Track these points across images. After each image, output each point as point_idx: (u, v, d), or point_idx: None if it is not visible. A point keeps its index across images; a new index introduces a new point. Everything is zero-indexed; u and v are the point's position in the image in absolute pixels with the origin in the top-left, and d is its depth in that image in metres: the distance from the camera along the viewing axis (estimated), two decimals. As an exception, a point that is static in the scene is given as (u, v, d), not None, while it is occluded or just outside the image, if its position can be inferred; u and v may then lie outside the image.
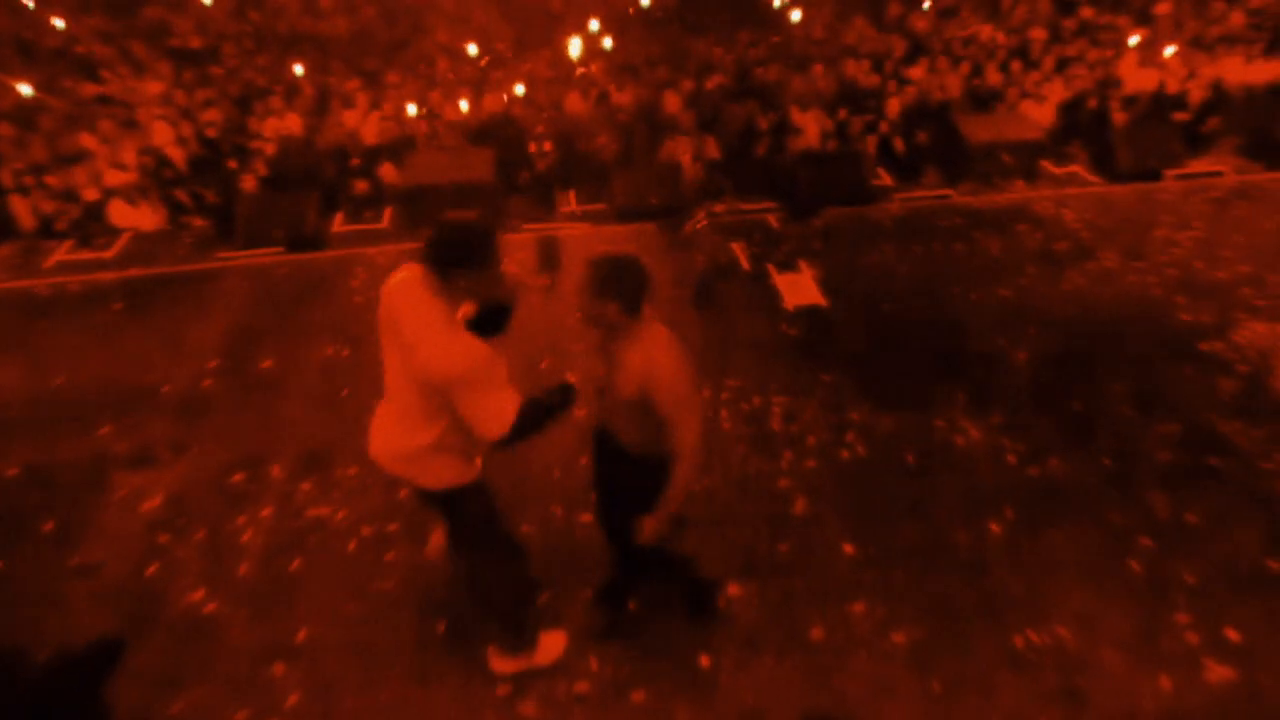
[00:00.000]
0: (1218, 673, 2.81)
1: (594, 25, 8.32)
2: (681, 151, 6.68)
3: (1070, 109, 7.10)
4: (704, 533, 3.41)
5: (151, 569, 3.28)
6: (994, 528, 3.35)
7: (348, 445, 3.76)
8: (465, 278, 2.15)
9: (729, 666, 2.86)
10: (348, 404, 4.14)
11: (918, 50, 8.29)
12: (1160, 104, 7.29)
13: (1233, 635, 2.93)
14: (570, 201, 6.62)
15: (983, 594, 3.06)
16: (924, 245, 5.30)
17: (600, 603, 3.06)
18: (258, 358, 4.52)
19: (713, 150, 6.69)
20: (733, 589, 3.14)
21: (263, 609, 3.11)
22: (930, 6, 9.77)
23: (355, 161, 6.96)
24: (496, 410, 2.22)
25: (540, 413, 2.37)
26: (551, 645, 2.90)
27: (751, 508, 3.53)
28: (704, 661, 2.89)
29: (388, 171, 6.82)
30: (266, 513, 3.52)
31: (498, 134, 7.19)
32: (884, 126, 6.55)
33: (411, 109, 7.31)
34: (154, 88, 8.00)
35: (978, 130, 6.29)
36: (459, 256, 2.12)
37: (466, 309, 2.42)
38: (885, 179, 6.13)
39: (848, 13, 9.67)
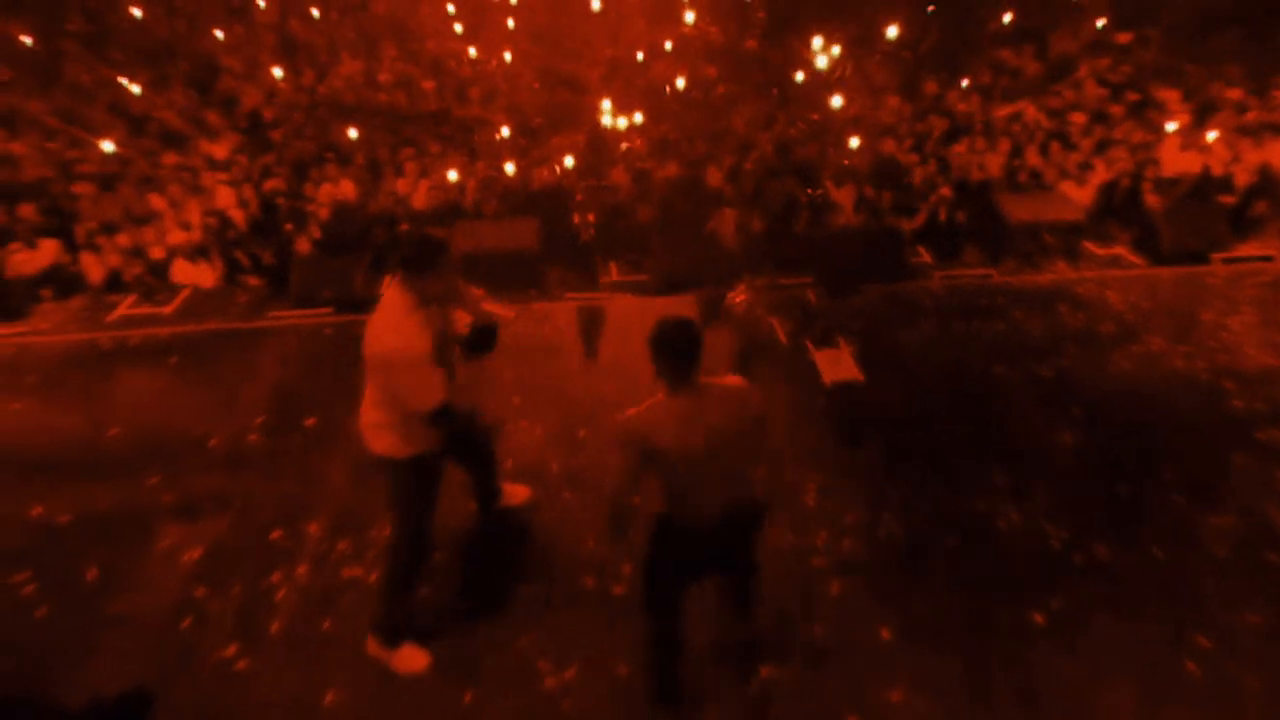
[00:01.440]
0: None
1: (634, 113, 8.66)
2: (725, 223, 6.82)
3: (1109, 190, 7.11)
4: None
5: (187, 621, 3.32)
6: (1038, 618, 3.23)
7: (383, 506, 3.80)
8: (423, 281, 2.69)
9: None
10: (386, 464, 4.21)
11: (957, 130, 8.42)
12: (1204, 187, 7.27)
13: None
14: (612, 272, 6.76)
15: (1025, 688, 2.94)
16: (964, 323, 5.28)
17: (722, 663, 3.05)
18: (303, 415, 4.64)
19: (755, 224, 6.81)
20: (765, 672, 3.06)
21: (292, 668, 3.11)
22: (969, 85, 9.95)
23: (404, 226, 7.23)
24: (425, 385, 2.72)
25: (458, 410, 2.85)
26: (412, 659, 3.08)
27: (785, 588, 3.46)
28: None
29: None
30: (302, 570, 3.55)
31: (543, 204, 7.42)
32: (938, 204, 6.62)
33: (453, 175, 7.60)
34: (220, 152, 8.46)
35: (1018, 210, 6.32)
36: (416, 262, 2.68)
37: (461, 317, 3.05)
38: (925, 256, 6.16)
39: (885, 92, 9.88)
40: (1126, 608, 3.30)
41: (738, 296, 5.44)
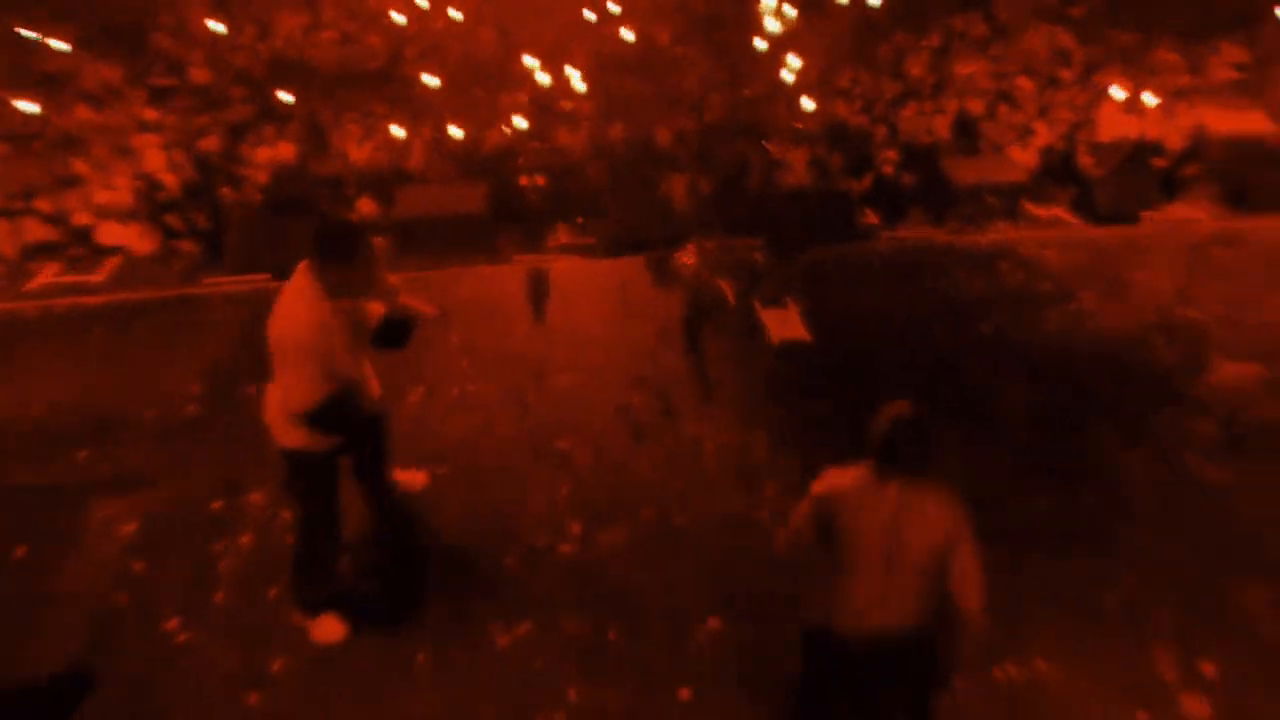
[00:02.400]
0: (1193, 707, 2.83)
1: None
2: (674, 185, 6.78)
3: (1051, 153, 7.26)
4: (682, 566, 3.41)
5: (124, 597, 3.24)
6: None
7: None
8: (335, 270, 2.55)
9: (709, 700, 2.85)
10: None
11: (908, 93, 8.48)
12: (1140, 151, 7.48)
13: (1208, 669, 2.95)
14: (561, 235, 6.68)
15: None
16: (909, 283, 5.37)
17: None
18: (242, 384, 4.51)
19: (704, 185, 6.79)
20: (713, 623, 3.13)
21: (238, 638, 3.07)
22: (922, 47, 10.03)
23: (350, 191, 7.03)
24: (308, 384, 2.57)
25: (343, 413, 2.69)
26: (328, 629, 3.05)
27: (732, 541, 3.53)
28: (684, 695, 2.88)
29: (366, 205, 6.89)
30: (246, 540, 3.49)
31: (492, 167, 7.29)
32: (885, 167, 6.68)
33: (399, 131, 7.41)
34: (149, 114, 8.07)
35: (963, 172, 6.43)
36: (332, 250, 2.54)
37: (374, 309, 2.84)
38: (873, 218, 6.23)
39: (837, 54, 9.87)
40: (1057, 549, 3.45)
41: (687, 258, 5.44)
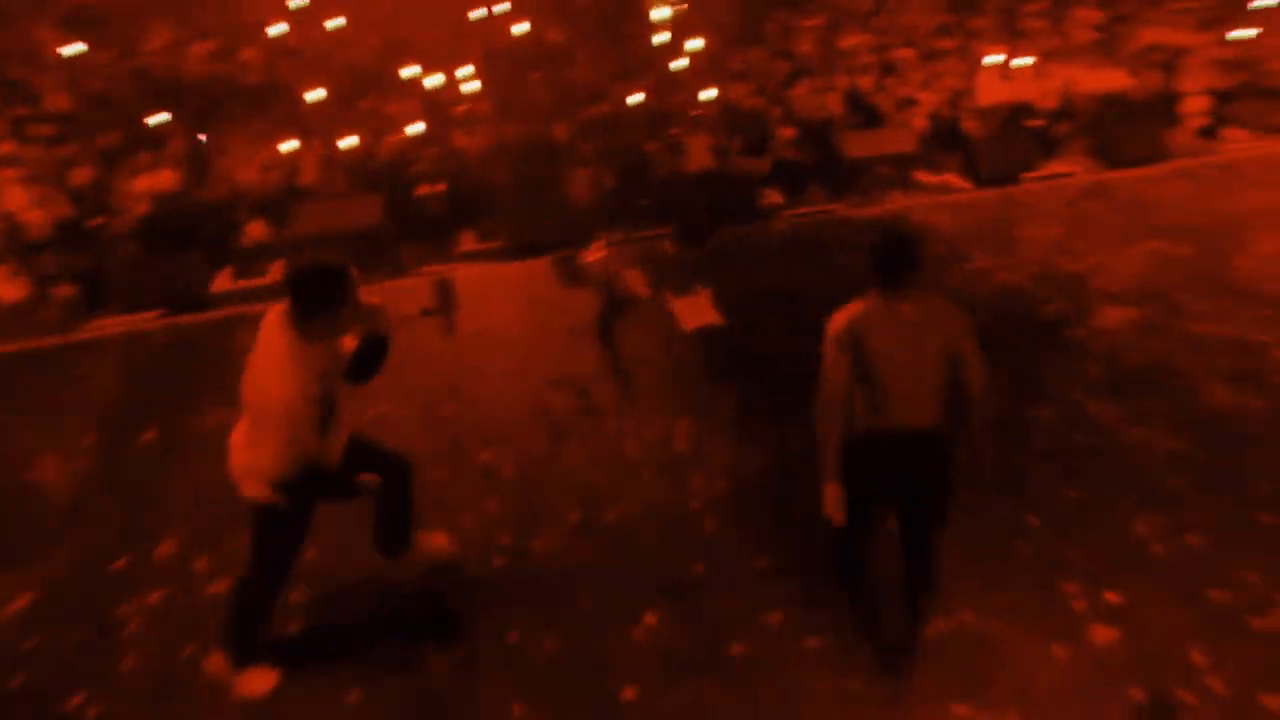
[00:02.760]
0: (1102, 635, 3.00)
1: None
2: (576, 181, 6.74)
3: (937, 121, 7.55)
4: (616, 564, 3.42)
5: (19, 678, 3.02)
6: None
7: (241, 512, 3.58)
8: (323, 320, 2.43)
9: (654, 695, 2.87)
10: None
11: (799, 72, 8.66)
12: (1016, 113, 7.87)
13: (1113, 598, 3.15)
14: (465, 240, 6.56)
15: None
16: (812, 259, 5.51)
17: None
18: (138, 431, 4.26)
19: (607, 179, 6.77)
20: (649, 618, 3.14)
21: (153, 704, 2.91)
22: (811, 25, 10.28)
23: (240, 215, 6.71)
24: (271, 453, 2.49)
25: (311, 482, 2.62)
26: (258, 681, 2.91)
27: (663, 533, 3.56)
28: (629, 694, 2.89)
29: (256, 229, 6.60)
30: (155, 597, 3.30)
31: (388, 176, 7.08)
32: (783, 147, 6.80)
33: (290, 145, 7.11)
34: (4, 148, 7.48)
35: (856, 146, 6.62)
36: (314, 303, 2.40)
37: (348, 343, 2.67)
38: (774, 197, 6.35)
39: (730, 37, 9.99)
40: (974, 502, 3.60)
41: (594, 254, 5.43)
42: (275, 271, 6.23)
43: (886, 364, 2.56)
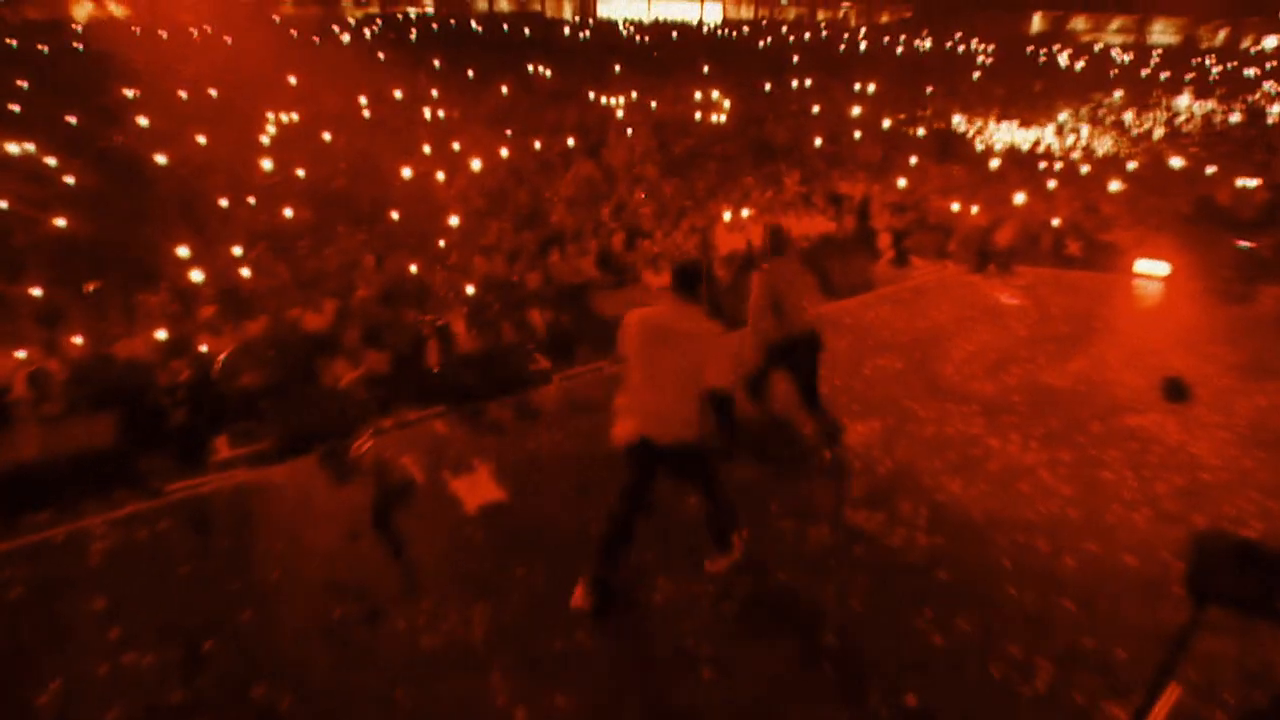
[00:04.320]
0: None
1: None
2: (339, 370, 6.49)
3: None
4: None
5: None
6: (705, 673, 3.48)
7: None
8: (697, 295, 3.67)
9: None
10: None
11: (551, 239, 9.26)
12: (748, 260, 8.93)
13: (912, 700, 3.31)
14: (221, 448, 5.97)
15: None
16: (586, 417, 5.64)
17: None
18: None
19: (377, 364, 6.59)
20: None
21: None
22: (559, 198, 11.17)
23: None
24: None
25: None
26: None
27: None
28: None
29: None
30: None
31: (123, 386, 6.38)
32: (537, 312, 7.07)
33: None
34: None
35: (610, 305, 7.07)
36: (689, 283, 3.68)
37: None
38: (543, 362, 6.52)
39: (485, 213, 10.53)
40: (778, 633, 3.70)
41: (363, 445, 5.17)
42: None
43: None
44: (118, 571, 4.36)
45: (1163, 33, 35.34)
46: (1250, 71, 27.94)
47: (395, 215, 10.07)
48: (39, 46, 22.73)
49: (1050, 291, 8.30)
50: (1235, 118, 19.51)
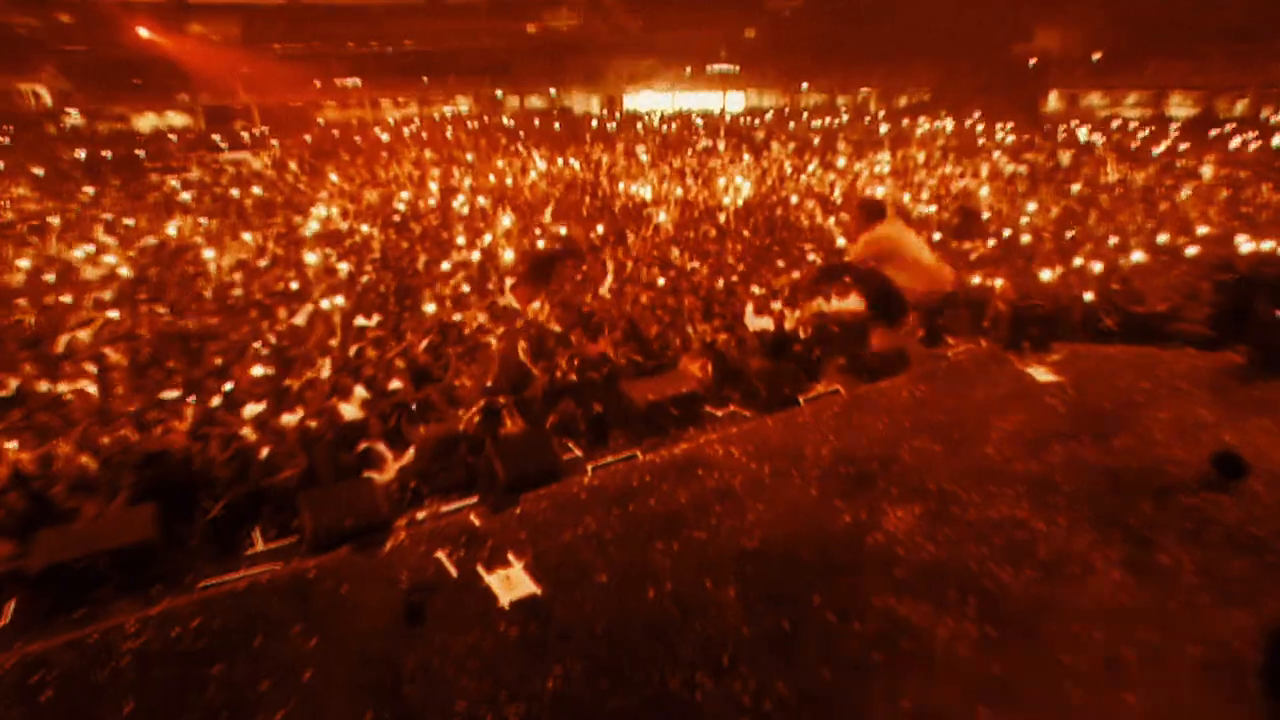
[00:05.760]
0: None
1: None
2: (377, 461, 6.54)
3: (716, 358, 8.36)
4: None
5: None
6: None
7: None
8: None
9: None
10: None
11: (577, 322, 9.43)
12: (780, 342, 8.96)
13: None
14: (256, 541, 5.99)
15: None
16: (620, 508, 5.57)
17: None
18: None
19: (414, 456, 6.64)
20: None
21: None
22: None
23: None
24: None
25: None
26: None
27: None
28: None
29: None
30: None
31: (159, 474, 6.48)
32: (563, 402, 7.11)
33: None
34: None
35: (643, 391, 7.07)
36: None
37: None
38: (576, 450, 6.50)
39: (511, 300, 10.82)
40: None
41: (399, 538, 5.15)
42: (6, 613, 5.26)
43: None
44: (149, 673, 4.31)
45: (1180, 105, 35.65)
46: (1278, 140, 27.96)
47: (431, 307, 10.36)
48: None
49: (1087, 365, 8.15)
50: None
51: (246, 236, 17.01)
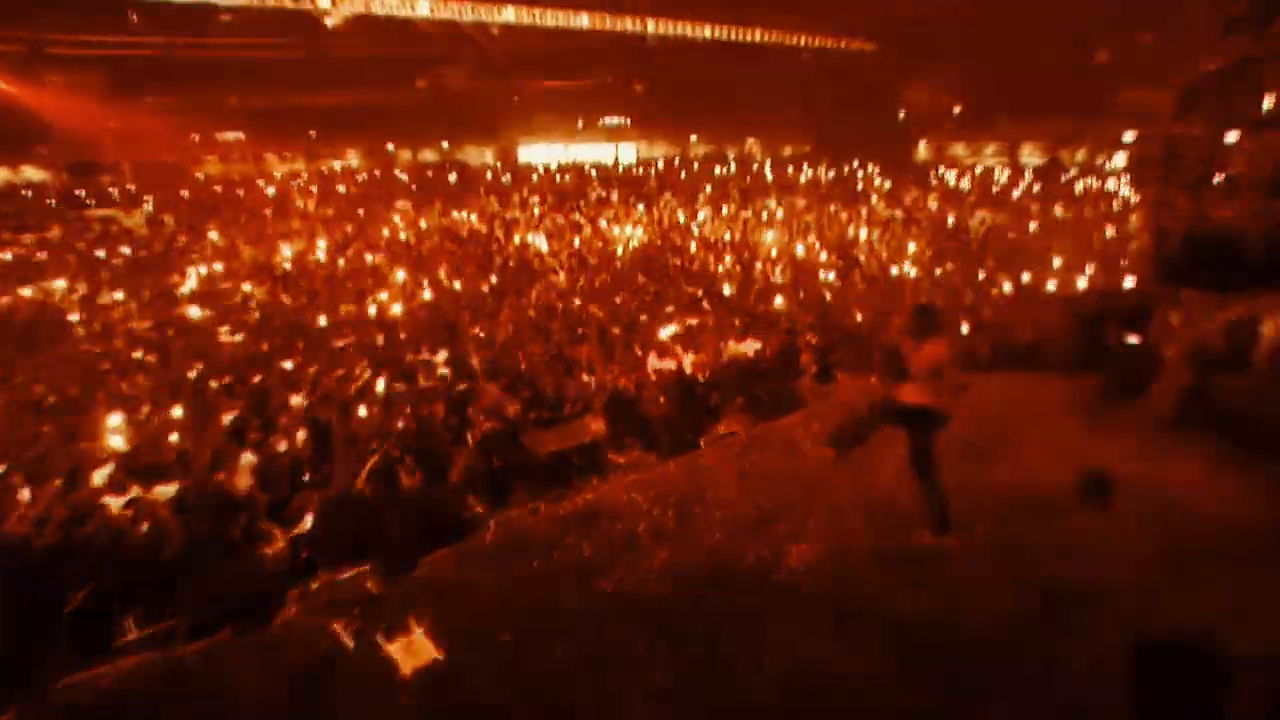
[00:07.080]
0: None
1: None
2: (263, 532, 6.15)
3: (615, 405, 8.39)
4: None
5: None
6: None
7: None
8: None
9: None
10: None
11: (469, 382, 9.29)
12: (683, 386, 9.10)
13: None
14: (129, 630, 5.47)
15: None
16: (524, 562, 5.45)
17: None
18: None
19: (306, 523, 6.28)
20: None
21: None
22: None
23: None
24: None
25: None
26: None
27: None
28: None
29: None
30: None
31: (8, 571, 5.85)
32: (463, 456, 6.94)
33: None
34: None
35: (545, 442, 7.01)
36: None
37: None
38: (477, 507, 6.33)
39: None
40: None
41: (288, 613, 4.84)
42: None
43: None
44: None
45: (1031, 154, 39.19)
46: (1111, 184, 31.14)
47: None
48: None
49: (968, 395, 8.62)
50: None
51: (118, 295, 15.96)
